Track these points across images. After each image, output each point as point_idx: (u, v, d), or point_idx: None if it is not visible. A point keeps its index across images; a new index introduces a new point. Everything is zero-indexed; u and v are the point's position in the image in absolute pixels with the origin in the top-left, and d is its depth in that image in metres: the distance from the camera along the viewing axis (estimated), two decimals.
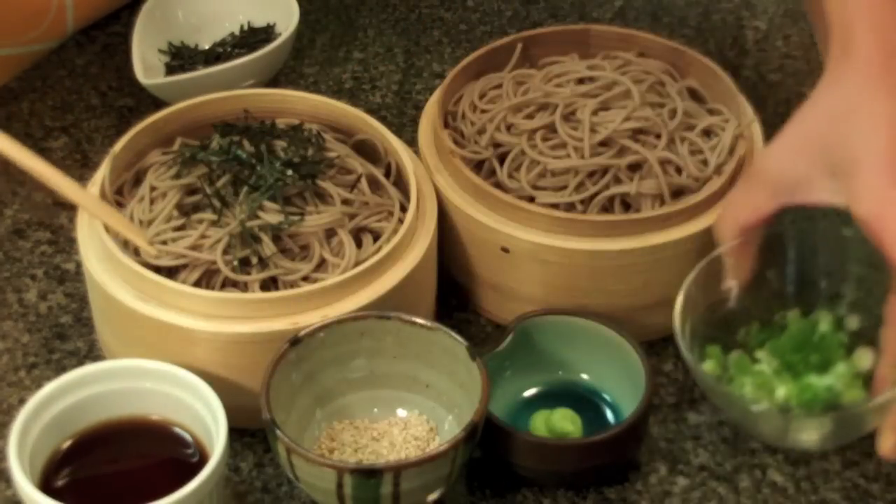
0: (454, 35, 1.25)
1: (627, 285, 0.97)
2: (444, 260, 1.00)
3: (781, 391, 0.90)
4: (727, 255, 0.93)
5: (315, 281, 0.92)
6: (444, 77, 1.05)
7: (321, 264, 0.93)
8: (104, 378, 0.89)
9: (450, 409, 0.92)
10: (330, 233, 0.94)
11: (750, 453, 0.94)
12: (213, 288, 0.92)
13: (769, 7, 1.29)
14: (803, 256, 0.95)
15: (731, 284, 0.94)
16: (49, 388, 0.87)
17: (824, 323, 0.94)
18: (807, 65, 1.22)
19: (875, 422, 0.87)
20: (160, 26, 1.19)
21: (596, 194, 0.97)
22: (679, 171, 0.98)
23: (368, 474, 0.84)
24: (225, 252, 0.92)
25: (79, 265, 1.03)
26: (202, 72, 1.13)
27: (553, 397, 0.95)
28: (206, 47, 1.20)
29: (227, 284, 0.93)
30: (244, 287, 0.92)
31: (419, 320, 0.91)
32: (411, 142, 1.04)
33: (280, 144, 0.98)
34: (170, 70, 1.17)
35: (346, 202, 0.96)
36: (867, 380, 0.91)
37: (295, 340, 0.89)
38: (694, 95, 1.05)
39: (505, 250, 0.97)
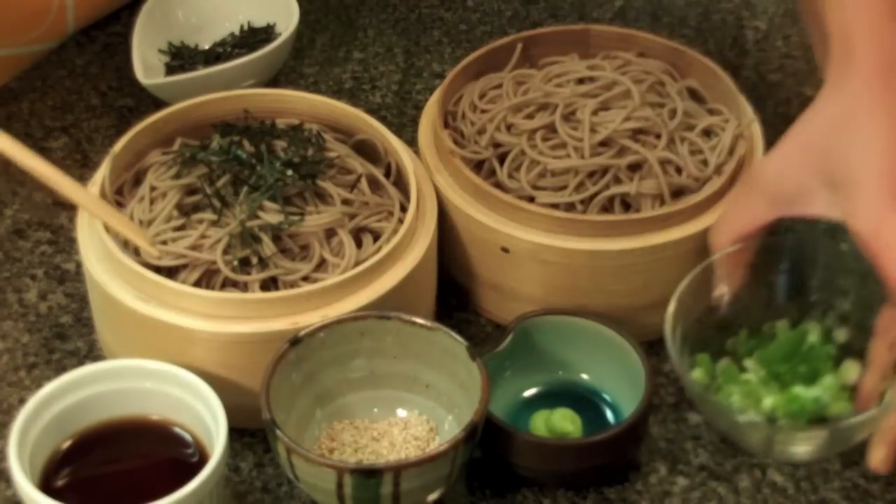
0: (454, 35, 1.25)
1: (627, 285, 0.97)
2: (444, 260, 1.00)
3: (768, 401, 0.91)
4: (721, 263, 0.93)
5: (315, 281, 0.92)
6: (444, 77, 1.05)
7: (321, 264, 0.93)
8: (104, 378, 0.89)
9: (450, 409, 0.92)
10: (330, 233, 0.94)
11: (750, 453, 0.94)
12: (213, 288, 0.92)
13: (769, 7, 1.29)
14: (795, 267, 0.95)
15: (723, 292, 0.94)
16: (49, 388, 0.87)
17: (813, 334, 0.94)
18: (807, 65, 1.22)
19: (862, 435, 0.87)
20: (160, 26, 1.18)
21: (596, 194, 0.97)
22: (679, 171, 0.98)
23: (368, 474, 0.84)
24: (225, 252, 0.92)
25: (79, 265, 1.03)
26: (202, 72, 1.13)
27: (553, 397, 0.95)
28: (206, 47, 1.20)
29: (227, 284, 0.93)
30: (244, 287, 0.92)
31: (419, 320, 0.91)
32: (411, 142, 1.04)
33: (280, 144, 0.98)
34: (170, 70, 1.17)
35: (346, 202, 0.96)
36: (854, 393, 0.91)
37: (295, 340, 0.89)
38: (694, 95, 1.05)
39: (505, 250, 0.97)
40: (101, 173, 0.98)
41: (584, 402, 0.95)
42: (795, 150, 0.91)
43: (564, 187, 0.98)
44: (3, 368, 0.98)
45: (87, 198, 0.94)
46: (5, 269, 1.05)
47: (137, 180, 0.99)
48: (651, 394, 0.91)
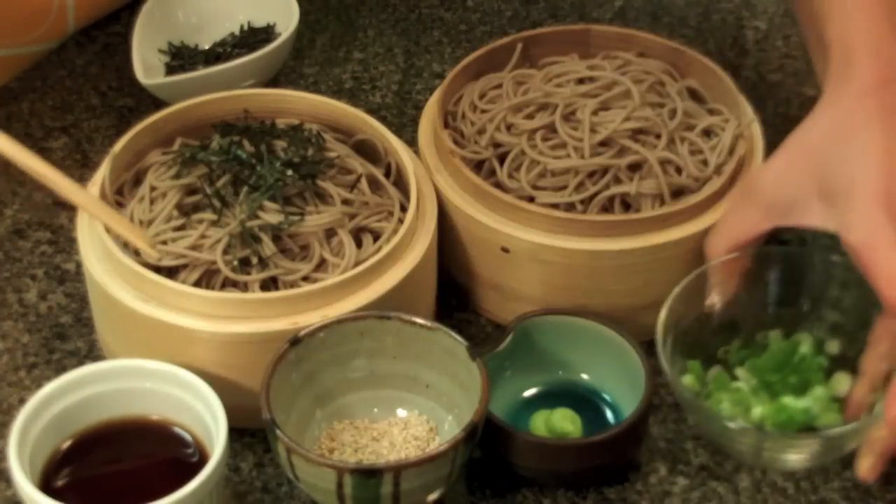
0: (454, 35, 1.25)
1: (627, 285, 0.97)
2: (444, 260, 1.00)
3: (758, 410, 0.91)
4: (715, 271, 0.93)
5: (315, 281, 0.92)
6: (444, 77, 1.05)
7: (321, 264, 0.93)
8: (104, 378, 0.89)
9: (450, 409, 0.92)
10: (330, 233, 0.94)
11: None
12: (213, 288, 0.92)
13: (769, 7, 1.29)
14: (789, 277, 0.95)
15: (715, 300, 0.94)
16: (49, 388, 0.87)
17: (805, 345, 0.94)
18: (807, 65, 1.22)
19: (851, 445, 0.87)
20: (160, 26, 1.18)
21: (596, 194, 0.97)
22: (679, 171, 0.98)
23: (368, 474, 0.84)
24: (225, 252, 0.92)
25: (79, 265, 1.03)
26: (202, 72, 1.13)
27: (553, 397, 0.95)
28: (206, 47, 1.20)
29: (227, 284, 0.93)
30: (244, 287, 0.92)
31: (419, 320, 0.91)
32: (411, 142, 1.04)
33: (280, 144, 0.98)
34: (170, 70, 1.17)
35: (346, 202, 0.96)
36: (844, 404, 0.91)
37: (295, 340, 0.89)
38: (694, 95, 1.05)
39: (505, 250, 0.97)
40: (101, 173, 0.98)
41: (584, 402, 0.95)
42: (792, 160, 0.92)
43: (564, 187, 0.98)
44: (3, 368, 0.98)
45: (88, 199, 0.94)
46: (5, 269, 1.05)
47: (137, 180, 0.99)
48: (651, 394, 0.91)
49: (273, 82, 1.16)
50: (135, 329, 0.92)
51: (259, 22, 1.20)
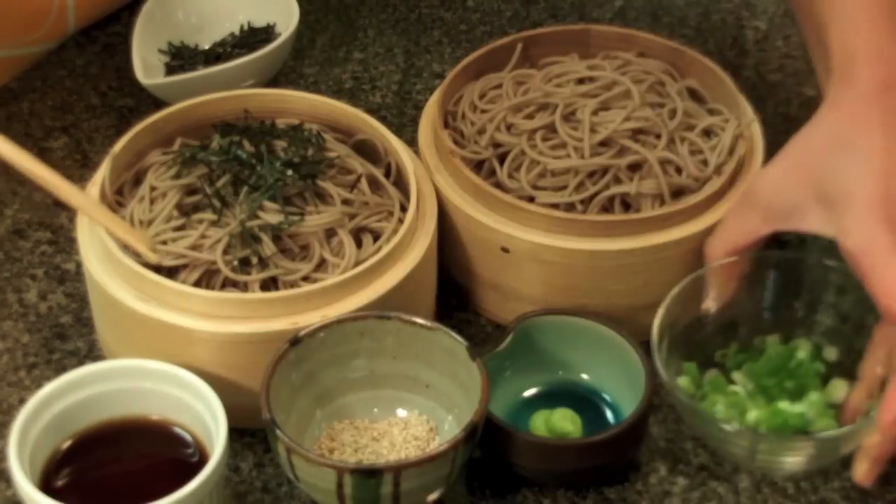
0: (454, 35, 1.26)
1: (627, 285, 0.97)
2: (444, 260, 1.00)
3: (753, 414, 0.91)
4: (713, 274, 0.93)
5: (315, 281, 0.92)
6: (444, 77, 1.05)
7: (321, 264, 0.93)
8: (104, 378, 0.89)
9: (450, 409, 0.92)
10: (330, 233, 0.94)
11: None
12: (213, 288, 0.92)
13: (769, 7, 1.29)
14: (786, 282, 0.95)
15: (712, 303, 0.94)
16: (49, 388, 0.87)
17: (802, 351, 0.94)
18: (807, 65, 1.22)
19: (845, 449, 0.87)
20: (160, 26, 1.18)
21: (596, 194, 0.97)
22: (679, 171, 0.98)
23: (368, 474, 0.84)
24: (225, 252, 0.92)
25: (79, 265, 1.03)
26: (202, 72, 1.13)
27: (553, 397, 0.95)
28: (206, 47, 1.20)
29: (227, 284, 0.93)
30: (244, 287, 0.92)
31: (419, 320, 0.91)
32: (411, 142, 1.04)
33: (280, 144, 0.98)
34: (170, 70, 1.17)
35: (346, 202, 0.96)
36: (840, 411, 0.91)
37: (295, 340, 0.89)
38: (694, 95, 1.05)
39: (505, 250, 0.97)
40: (101, 173, 0.98)
41: (584, 402, 0.95)
42: (792, 165, 0.92)
43: (564, 187, 0.98)
44: (3, 368, 0.98)
45: (87, 202, 0.93)
46: (5, 269, 1.05)
47: (137, 180, 0.99)
48: (651, 394, 0.91)
49: (273, 82, 1.16)
50: (135, 329, 0.92)
51: (259, 22, 1.20)
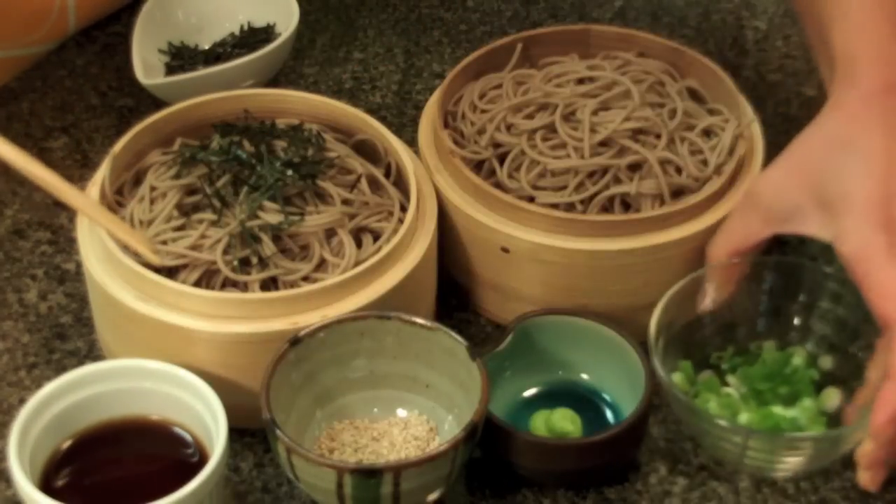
0: (454, 35, 1.25)
1: (627, 285, 0.97)
2: (444, 260, 1.00)
3: (744, 416, 0.91)
4: (712, 275, 0.93)
5: (315, 281, 0.92)
6: (444, 77, 1.05)
7: (321, 264, 0.93)
8: (104, 378, 0.89)
9: (450, 409, 0.92)
10: (330, 233, 0.94)
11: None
12: (213, 288, 0.92)
13: (769, 7, 1.29)
14: (784, 287, 0.95)
15: (708, 304, 0.94)
16: (49, 388, 0.87)
17: (798, 357, 0.94)
18: (807, 65, 1.22)
19: (837, 453, 0.88)
20: (160, 26, 1.18)
21: (596, 194, 0.97)
22: (679, 171, 0.98)
23: (368, 474, 0.84)
24: (225, 252, 0.92)
25: (79, 265, 1.03)
26: (202, 72, 1.13)
27: (553, 397, 0.95)
28: (206, 47, 1.20)
29: (227, 284, 0.93)
30: (244, 287, 0.92)
31: (419, 320, 0.91)
32: (411, 142, 1.04)
33: (280, 144, 0.98)
34: (170, 70, 1.17)
35: (346, 202, 0.96)
36: (831, 420, 0.91)
37: (295, 340, 0.89)
38: (694, 95, 1.05)
39: (505, 250, 0.97)
40: (101, 173, 0.98)
41: (584, 402, 0.95)
42: (792, 167, 0.92)
43: (564, 187, 0.98)
44: (3, 368, 0.98)
45: (88, 204, 0.93)
46: (5, 269, 1.05)
47: (137, 180, 0.99)
48: (651, 394, 0.91)
49: (273, 82, 1.16)
50: (135, 329, 0.92)
51: (259, 22, 1.20)
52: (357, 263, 0.93)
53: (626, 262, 0.95)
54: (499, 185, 0.98)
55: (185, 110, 1.02)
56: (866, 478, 0.86)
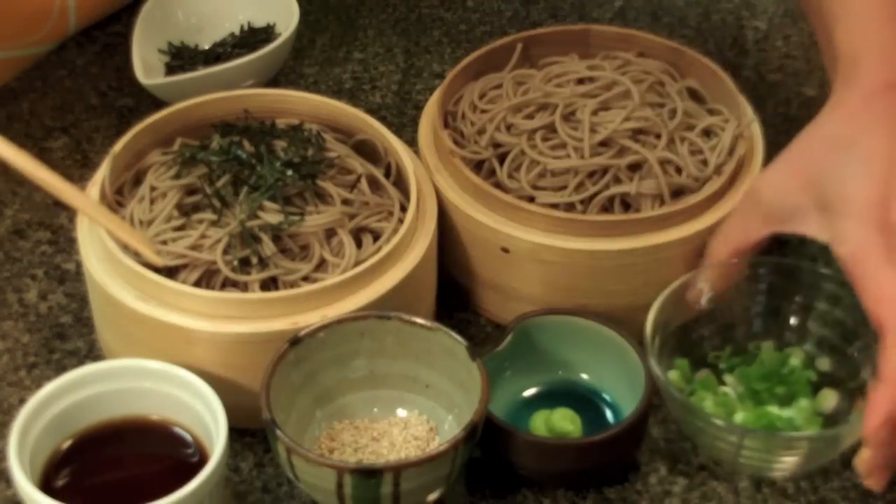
0: (454, 35, 1.26)
1: (627, 285, 0.97)
2: (444, 260, 1.00)
3: (740, 416, 0.91)
4: (710, 273, 0.93)
5: (315, 281, 0.92)
6: (444, 77, 1.05)
7: (321, 264, 0.93)
8: (104, 378, 0.89)
9: (450, 409, 0.92)
10: (330, 233, 0.94)
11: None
12: (213, 288, 0.92)
13: (769, 7, 1.29)
14: (782, 288, 0.95)
15: (703, 301, 0.94)
16: (49, 388, 0.87)
17: (796, 358, 0.94)
18: (807, 65, 1.22)
19: (832, 454, 0.88)
20: (160, 26, 1.19)
21: (596, 194, 0.97)
22: (679, 171, 0.98)
23: (368, 474, 0.84)
24: (225, 252, 0.92)
25: (79, 265, 1.03)
26: (202, 72, 1.13)
27: (553, 397, 0.95)
28: (206, 47, 1.20)
29: (227, 284, 0.93)
30: (244, 287, 0.92)
31: (419, 320, 0.91)
32: (411, 142, 1.04)
33: (280, 144, 0.98)
34: (170, 70, 1.17)
35: (346, 202, 0.96)
36: (827, 422, 0.91)
37: (295, 340, 0.89)
38: (694, 95, 1.05)
39: (505, 250, 0.97)
40: (101, 173, 0.98)
41: (584, 402, 0.95)
42: (792, 167, 0.91)
43: (564, 187, 0.98)
44: (3, 368, 0.98)
45: (88, 204, 0.93)
46: (5, 269, 1.05)
47: (137, 180, 0.99)
48: (651, 394, 0.91)
49: (273, 82, 1.16)
50: (135, 329, 0.92)
51: (259, 22, 1.20)
52: (357, 263, 0.93)
53: (626, 262, 0.95)
54: (499, 185, 0.98)
55: (185, 110, 1.02)
56: (871, 483, 0.86)
